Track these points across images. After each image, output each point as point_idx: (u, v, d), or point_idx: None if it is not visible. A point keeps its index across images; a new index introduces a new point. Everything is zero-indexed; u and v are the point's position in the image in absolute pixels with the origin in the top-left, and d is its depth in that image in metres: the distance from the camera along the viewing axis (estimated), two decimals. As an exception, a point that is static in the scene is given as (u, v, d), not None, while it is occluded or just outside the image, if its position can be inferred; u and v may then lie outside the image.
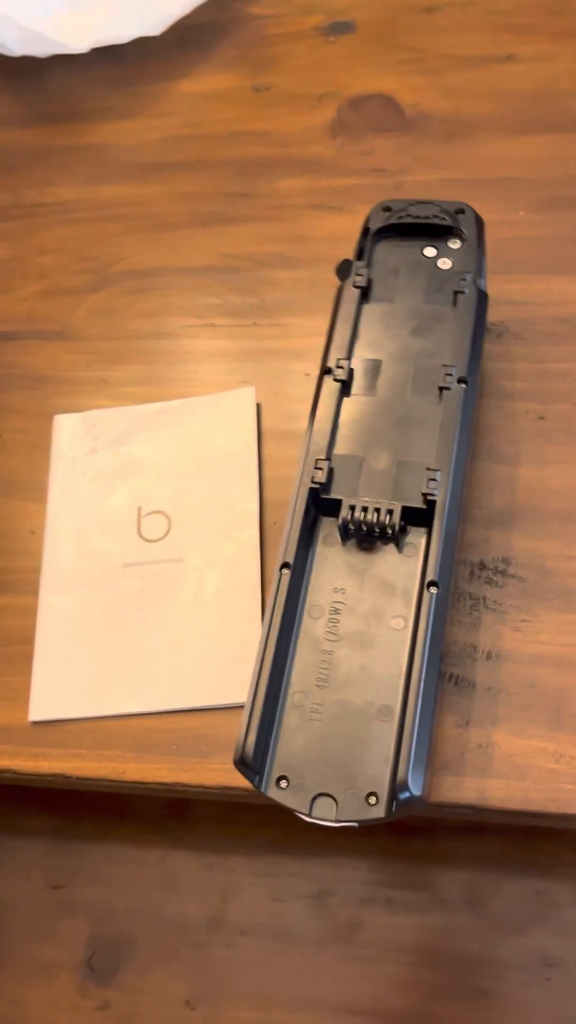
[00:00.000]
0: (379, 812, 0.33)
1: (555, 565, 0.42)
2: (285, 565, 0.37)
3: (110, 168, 0.59)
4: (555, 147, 0.53)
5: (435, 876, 0.62)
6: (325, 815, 0.34)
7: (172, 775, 0.41)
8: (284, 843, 0.65)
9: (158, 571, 0.45)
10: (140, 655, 0.44)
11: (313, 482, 0.38)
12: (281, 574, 0.37)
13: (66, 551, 0.47)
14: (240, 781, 0.40)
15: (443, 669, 0.40)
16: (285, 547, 0.37)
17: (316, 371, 0.49)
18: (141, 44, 0.61)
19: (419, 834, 0.64)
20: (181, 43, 0.62)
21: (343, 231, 0.53)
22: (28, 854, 0.67)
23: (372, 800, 0.33)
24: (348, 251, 0.52)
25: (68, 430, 0.50)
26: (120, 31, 0.59)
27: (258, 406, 0.49)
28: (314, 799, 0.34)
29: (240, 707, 0.41)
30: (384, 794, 0.33)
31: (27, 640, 0.45)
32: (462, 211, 0.43)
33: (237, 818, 0.66)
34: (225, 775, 0.41)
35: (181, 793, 0.42)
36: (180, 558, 0.45)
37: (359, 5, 0.61)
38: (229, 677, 0.42)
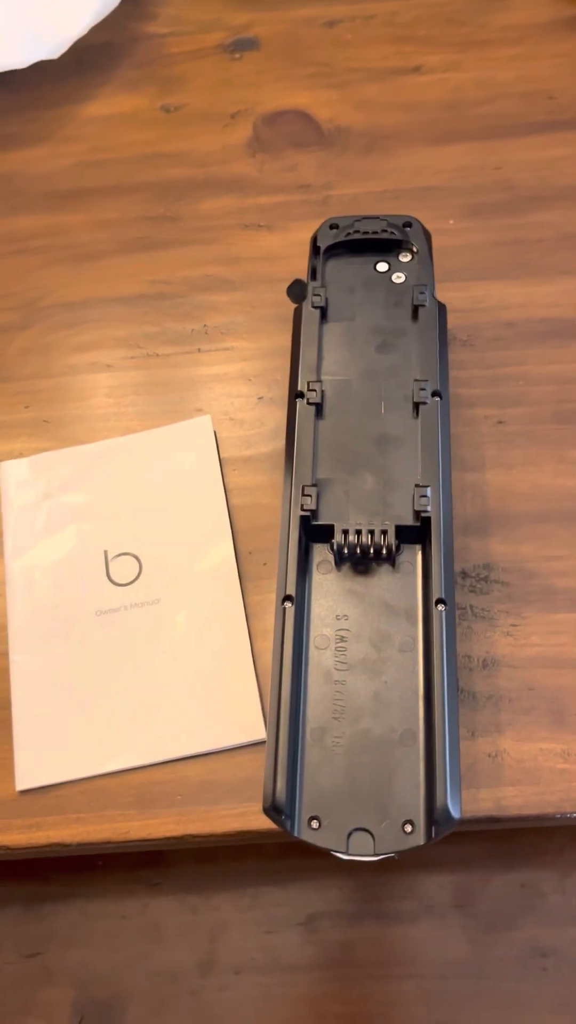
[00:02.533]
0: (418, 840, 0.33)
1: (536, 566, 0.43)
2: (287, 598, 0.36)
3: (21, 198, 0.56)
4: (473, 155, 0.54)
5: (421, 883, 0.62)
6: (363, 851, 0.33)
7: (181, 828, 0.40)
8: (266, 871, 0.64)
9: (134, 616, 0.43)
10: (128, 706, 0.42)
11: (303, 509, 0.37)
12: (284, 608, 0.36)
13: (31, 604, 0.44)
14: (255, 824, 0.39)
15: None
16: (284, 579, 0.36)
17: (269, 394, 0.48)
18: (36, 68, 0.58)
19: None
20: (78, 66, 0.60)
21: (276, 249, 0.52)
22: (-4, 925, 0.63)
23: (408, 828, 0.33)
24: (284, 270, 0.52)
25: (16, 477, 0.47)
26: (16, 56, 0.56)
27: (216, 433, 0.48)
28: (349, 835, 0.33)
29: (242, 747, 0.40)
30: (421, 820, 0.33)
31: (2, 704, 0.42)
32: (409, 224, 0.43)
33: (215, 853, 0.64)
34: (237, 820, 0.39)
35: (192, 844, 0.40)
36: (156, 599, 0.44)
37: (259, 22, 0.61)
38: (227, 718, 0.41)
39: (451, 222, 0.52)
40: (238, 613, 0.43)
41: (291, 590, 0.36)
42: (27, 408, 0.49)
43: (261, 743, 0.40)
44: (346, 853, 0.33)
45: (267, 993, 0.60)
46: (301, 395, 0.40)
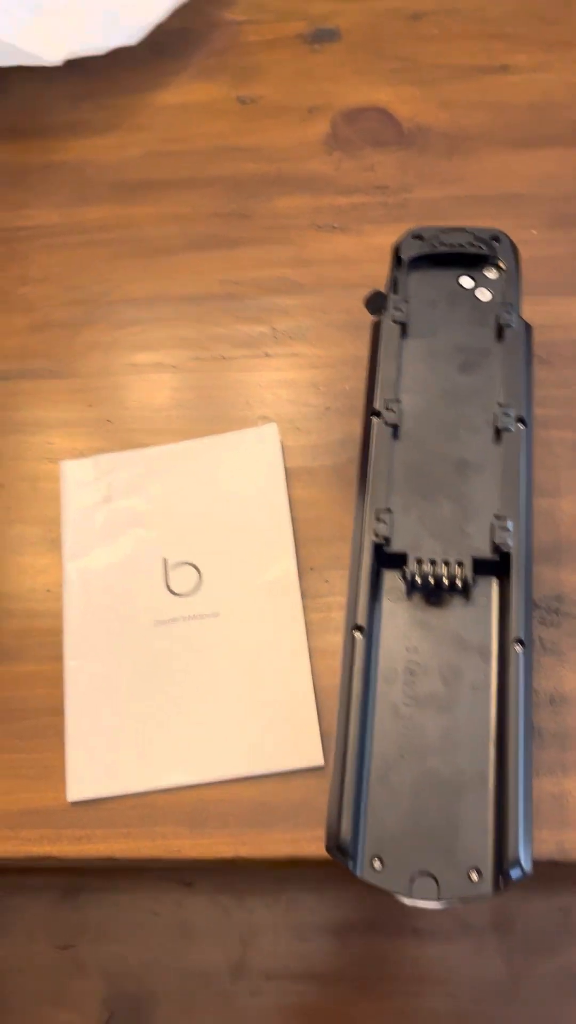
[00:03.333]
0: (485, 889, 0.32)
1: (609, 600, 0.42)
2: (357, 628, 0.35)
3: (90, 187, 0.55)
4: (559, 161, 0.52)
5: (458, 901, 0.61)
6: (426, 895, 0.32)
7: (232, 849, 0.39)
8: (301, 877, 0.63)
9: (193, 628, 0.42)
10: (183, 721, 0.41)
11: (376, 536, 0.36)
12: (354, 637, 0.35)
13: (89, 610, 0.43)
14: (308, 850, 0.38)
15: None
16: (354, 607, 0.35)
17: (336, 404, 0.47)
18: (112, 54, 0.57)
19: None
20: (153, 51, 0.59)
21: (351, 253, 0.51)
22: (31, 914, 0.63)
23: (475, 876, 0.32)
24: (356, 274, 0.50)
25: (77, 477, 0.46)
26: (96, 41, 0.55)
27: (281, 441, 0.46)
28: (413, 879, 0.32)
29: (299, 772, 0.39)
30: (488, 868, 0.32)
31: (56, 711, 0.42)
32: (497, 239, 0.42)
33: (250, 857, 0.64)
34: (290, 845, 0.39)
35: (242, 866, 0.39)
36: (216, 612, 0.43)
37: (340, 12, 0.59)
38: (283, 740, 0.40)
39: (534, 232, 0.50)
40: (299, 632, 0.42)
41: (361, 620, 0.35)
42: (90, 406, 0.48)
43: (317, 768, 0.40)
44: (409, 897, 0.32)
45: (299, 1001, 0.59)
46: (378, 414, 0.38)
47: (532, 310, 0.47)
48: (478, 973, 0.59)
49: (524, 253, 0.49)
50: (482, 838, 0.32)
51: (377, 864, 0.32)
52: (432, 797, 0.33)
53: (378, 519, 0.36)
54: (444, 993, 0.59)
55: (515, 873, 0.31)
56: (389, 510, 0.37)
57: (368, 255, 0.50)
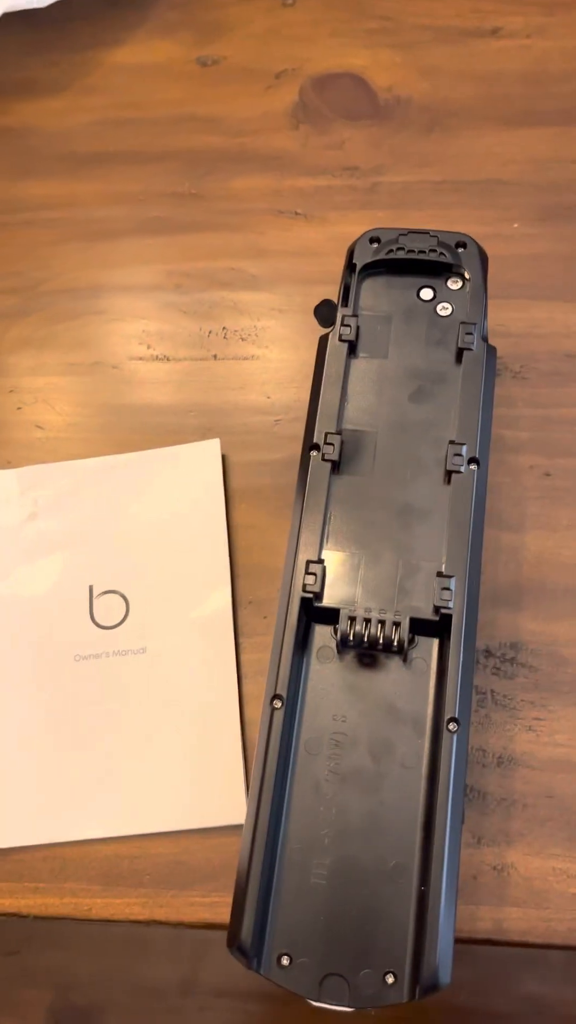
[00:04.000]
0: (399, 995, 0.29)
1: (571, 652, 0.38)
2: (277, 697, 0.31)
3: (36, 159, 0.50)
4: (551, 143, 0.47)
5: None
6: (336, 999, 0.29)
7: (147, 911, 0.36)
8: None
9: (117, 665, 0.39)
10: (101, 768, 0.38)
11: (305, 591, 0.32)
12: (272, 708, 0.31)
13: (5, 638, 0.40)
14: (226, 917, 0.35)
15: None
16: (276, 673, 0.32)
17: (288, 416, 0.43)
18: (64, 3, 0.51)
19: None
20: (109, 2, 0.53)
21: (312, 243, 0.46)
22: (-23, 916, 0.61)
23: (390, 979, 0.29)
24: (318, 269, 0.45)
25: (1, 490, 0.42)
26: (38, -9, 0.49)
27: (223, 458, 0.42)
28: (322, 980, 0.29)
29: (222, 829, 0.36)
30: (405, 974, 0.29)
31: (-34, 751, 0.39)
32: (463, 244, 0.37)
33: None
34: (207, 910, 0.36)
35: (157, 926, 0.37)
36: (142, 648, 0.39)
37: (318, -40, 0.53)
38: (206, 795, 0.37)
39: (516, 225, 0.45)
40: (229, 676, 0.38)
41: (282, 690, 0.31)
42: (19, 410, 0.44)
43: (240, 827, 0.36)
44: (317, 1001, 0.29)
45: (248, 1020, 0.58)
46: (316, 447, 0.34)
47: (507, 316, 0.43)
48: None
49: (504, 250, 0.44)
50: (401, 937, 0.29)
51: (285, 961, 0.29)
52: (351, 889, 0.30)
53: (308, 571, 0.32)
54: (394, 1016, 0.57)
55: (430, 987, 0.28)
56: (321, 560, 0.33)
57: (331, 246, 0.45)
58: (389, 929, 0.29)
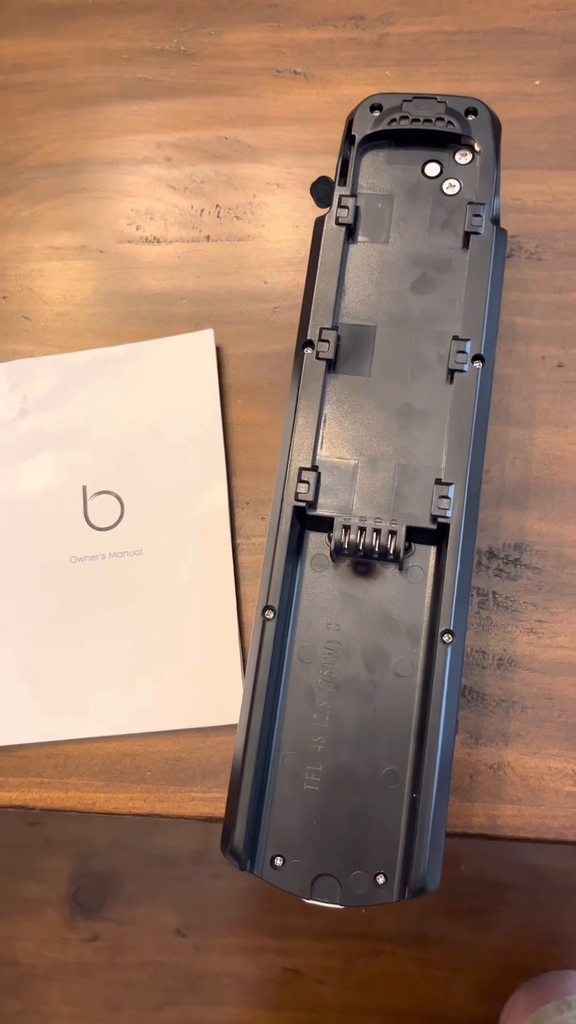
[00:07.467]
0: (389, 895, 0.29)
1: (576, 553, 0.37)
2: (268, 608, 0.30)
3: (4, 12, 0.45)
4: (580, -17, 0.42)
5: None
6: (328, 897, 0.30)
7: (148, 805, 0.37)
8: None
9: (113, 566, 0.39)
10: (101, 668, 0.38)
11: (297, 499, 0.31)
12: (264, 619, 0.30)
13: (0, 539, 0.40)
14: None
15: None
16: (268, 582, 0.31)
17: (287, 303, 0.40)
18: None
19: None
20: None
21: (313, 107, 0.42)
22: None
23: (381, 880, 0.29)
24: (318, 137, 0.42)
25: (-11, 387, 0.41)
26: None
27: (218, 350, 0.40)
28: (315, 881, 0.30)
29: (222, 728, 0.37)
30: (396, 874, 0.29)
31: (-33, 651, 0.39)
32: (474, 111, 0.33)
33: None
34: (208, 805, 0.37)
35: (159, 818, 0.38)
36: (139, 550, 0.39)
37: None
38: (206, 694, 0.37)
39: (537, 83, 0.41)
40: (226, 578, 0.38)
41: (274, 600, 0.30)
42: (4, 299, 0.42)
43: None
44: (309, 899, 0.30)
45: (256, 889, 0.61)
46: (311, 344, 0.32)
47: (523, 188, 0.40)
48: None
49: (524, 112, 0.40)
50: (392, 841, 0.30)
51: (278, 861, 0.30)
52: (343, 794, 0.30)
53: (301, 479, 0.31)
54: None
55: (418, 889, 0.28)
56: (315, 467, 0.31)
57: (333, 111, 0.42)
58: (380, 833, 0.30)
